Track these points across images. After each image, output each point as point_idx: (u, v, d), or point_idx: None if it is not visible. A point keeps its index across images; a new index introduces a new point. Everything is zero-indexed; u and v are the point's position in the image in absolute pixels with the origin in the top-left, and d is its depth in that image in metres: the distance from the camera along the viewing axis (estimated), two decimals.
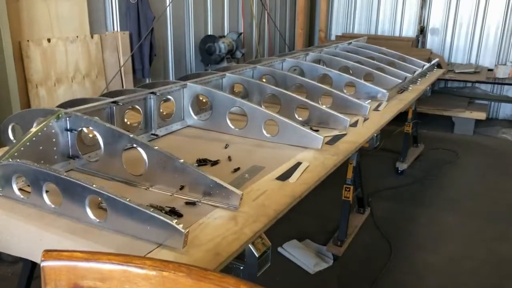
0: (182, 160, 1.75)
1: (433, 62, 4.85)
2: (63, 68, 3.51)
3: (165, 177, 1.80)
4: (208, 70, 5.26)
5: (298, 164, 2.13)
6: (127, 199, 1.47)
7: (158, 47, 4.55)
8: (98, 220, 1.55)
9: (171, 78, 4.92)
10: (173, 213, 1.63)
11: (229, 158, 2.19)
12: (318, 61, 4.19)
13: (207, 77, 2.88)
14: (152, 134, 2.47)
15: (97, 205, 1.64)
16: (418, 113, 5.14)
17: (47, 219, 1.60)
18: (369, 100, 3.36)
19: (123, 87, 4.03)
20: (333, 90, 3.07)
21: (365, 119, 2.93)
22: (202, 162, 2.13)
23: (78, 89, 3.60)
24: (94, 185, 1.52)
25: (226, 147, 2.36)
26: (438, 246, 3.52)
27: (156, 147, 1.80)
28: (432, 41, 7.16)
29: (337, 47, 4.79)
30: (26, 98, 3.24)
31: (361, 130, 2.73)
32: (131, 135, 1.84)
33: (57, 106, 2.30)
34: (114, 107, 2.22)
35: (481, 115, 6.15)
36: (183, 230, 1.39)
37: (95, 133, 1.93)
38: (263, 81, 3.49)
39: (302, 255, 3.19)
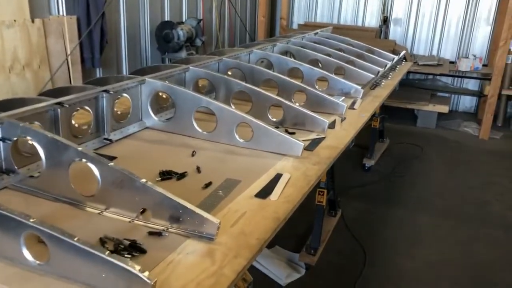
0: (143, 180, 1.44)
1: (401, 54, 4.70)
2: None
3: (123, 198, 1.49)
4: (166, 59, 4.89)
5: (279, 176, 1.86)
6: (75, 239, 1.15)
7: (110, 33, 4.11)
8: (38, 263, 1.22)
9: (124, 68, 4.50)
10: (134, 248, 1.32)
11: (198, 170, 1.88)
12: (285, 52, 3.92)
13: (168, 71, 2.54)
14: (105, 139, 2.12)
15: (38, 239, 1.30)
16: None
17: None
18: (343, 97, 3.13)
19: (70, 78, 3.60)
20: (306, 87, 2.81)
21: (342, 119, 2.69)
22: (166, 175, 1.82)
23: (17, 81, 3.15)
24: (31, 220, 1.19)
25: (193, 155, 2.05)
26: (413, 250, 3.38)
27: (111, 164, 1.48)
28: (394, 32, 7.06)
29: (304, 38, 4.53)
30: None
31: (340, 132, 2.49)
32: (79, 148, 1.50)
33: None
34: (59, 110, 1.85)
35: (444, 108, 6.11)
36: (149, 281, 1.08)
37: (35, 144, 1.57)
38: (229, 74, 3.19)
39: (273, 265, 2.95)
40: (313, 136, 2.38)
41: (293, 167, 1.97)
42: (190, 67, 2.67)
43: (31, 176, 1.65)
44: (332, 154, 2.15)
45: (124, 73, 4.46)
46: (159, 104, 2.49)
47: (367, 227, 3.66)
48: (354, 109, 2.93)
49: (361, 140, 4.90)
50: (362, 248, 3.33)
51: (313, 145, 2.25)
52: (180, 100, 2.25)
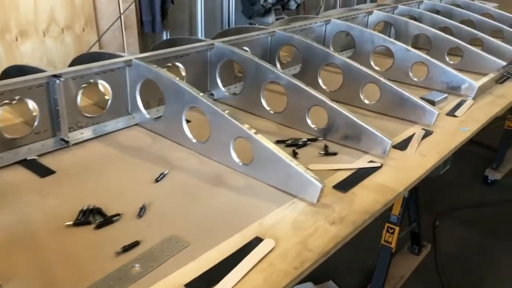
0: None
1: None
2: (30, 17, 2.68)
3: None
4: (254, 24, 4.22)
5: (255, 243, 1.12)
6: None
7: None
8: None
9: (200, 34, 3.93)
10: None
11: (140, 213, 1.23)
12: (389, 24, 2.96)
13: (184, 48, 1.88)
14: (62, 140, 1.57)
15: None
16: None
17: None
18: (445, 95, 2.16)
19: (124, 44, 3.15)
20: (381, 79, 1.92)
21: (426, 134, 1.78)
22: (87, 216, 1.20)
23: (53, 45, 2.78)
24: None
25: (158, 180, 1.39)
26: None
27: None
28: None
29: (422, 3, 3.46)
30: None
31: (412, 159, 1.60)
32: None
33: None
34: None
35: None
36: None
37: None
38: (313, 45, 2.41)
39: None
40: (363, 162, 1.54)
41: (292, 225, 1.21)
42: (216, 44, 1.97)
43: None
44: (375, 205, 1.32)
45: None
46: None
47: (468, 271, 2.68)
48: (455, 116, 1.97)
49: (491, 140, 3.74)
50: None
51: (351, 180, 1.43)
52: (169, 92, 1.60)
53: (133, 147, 1.61)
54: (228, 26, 4.16)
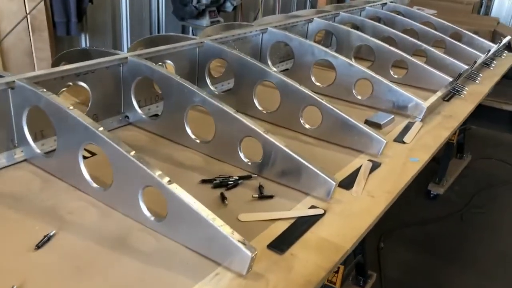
0: None
1: (503, 41, 3.29)
2: None
3: None
4: (188, 27, 3.91)
5: None
6: None
7: None
8: None
9: (125, 37, 3.54)
10: None
11: None
12: (330, 34, 2.74)
13: (89, 64, 1.54)
14: None
15: None
16: None
17: None
18: (391, 116, 1.96)
19: (32, 48, 2.72)
20: (322, 101, 1.68)
21: (373, 167, 1.55)
22: None
23: None
24: None
25: (39, 245, 1.06)
26: None
27: None
28: (500, 6, 5.44)
29: (364, 10, 3.29)
30: None
31: (360, 202, 1.37)
32: None
33: None
34: None
35: None
36: None
37: None
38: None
39: None
40: (303, 208, 1.29)
41: None
42: (130, 58, 1.64)
43: None
44: (318, 272, 1.06)
45: (125, 43, 3.50)
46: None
47: None
48: (403, 142, 1.76)
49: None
50: None
51: (290, 235, 1.16)
52: (60, 125, 1.26)
53: (14, 194, 1.25)
54: (158, 28, 3.79)
